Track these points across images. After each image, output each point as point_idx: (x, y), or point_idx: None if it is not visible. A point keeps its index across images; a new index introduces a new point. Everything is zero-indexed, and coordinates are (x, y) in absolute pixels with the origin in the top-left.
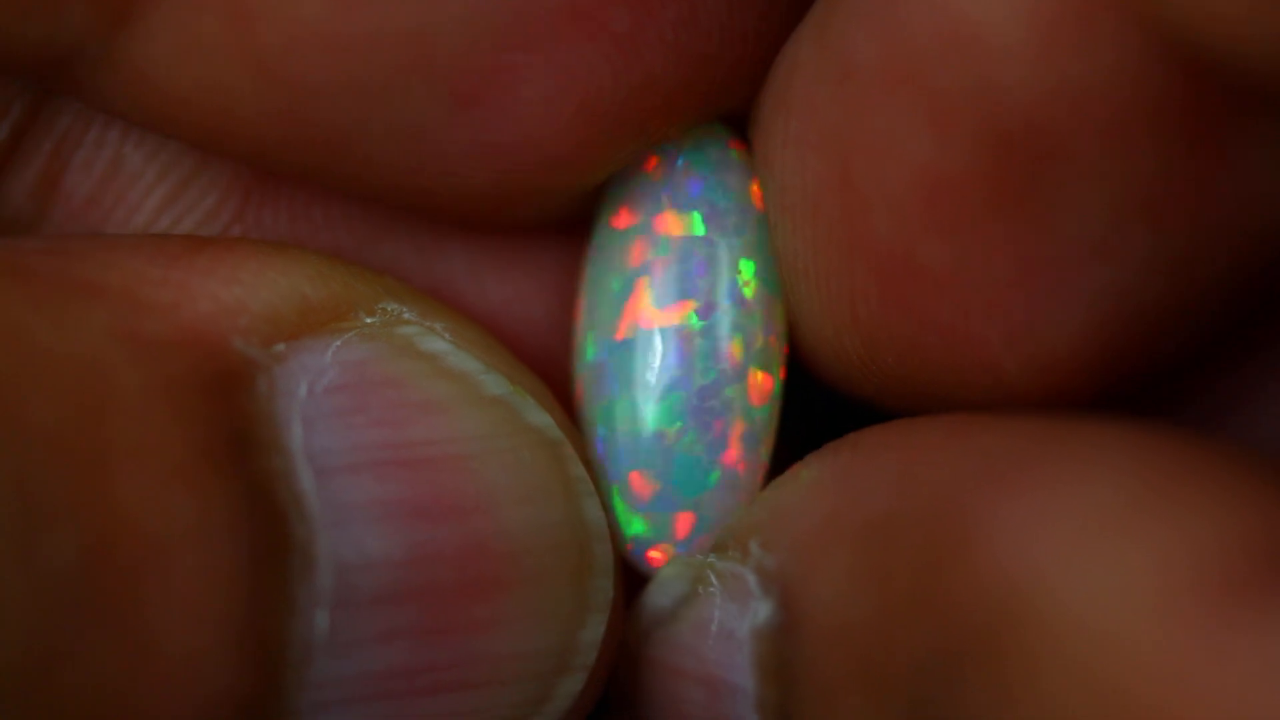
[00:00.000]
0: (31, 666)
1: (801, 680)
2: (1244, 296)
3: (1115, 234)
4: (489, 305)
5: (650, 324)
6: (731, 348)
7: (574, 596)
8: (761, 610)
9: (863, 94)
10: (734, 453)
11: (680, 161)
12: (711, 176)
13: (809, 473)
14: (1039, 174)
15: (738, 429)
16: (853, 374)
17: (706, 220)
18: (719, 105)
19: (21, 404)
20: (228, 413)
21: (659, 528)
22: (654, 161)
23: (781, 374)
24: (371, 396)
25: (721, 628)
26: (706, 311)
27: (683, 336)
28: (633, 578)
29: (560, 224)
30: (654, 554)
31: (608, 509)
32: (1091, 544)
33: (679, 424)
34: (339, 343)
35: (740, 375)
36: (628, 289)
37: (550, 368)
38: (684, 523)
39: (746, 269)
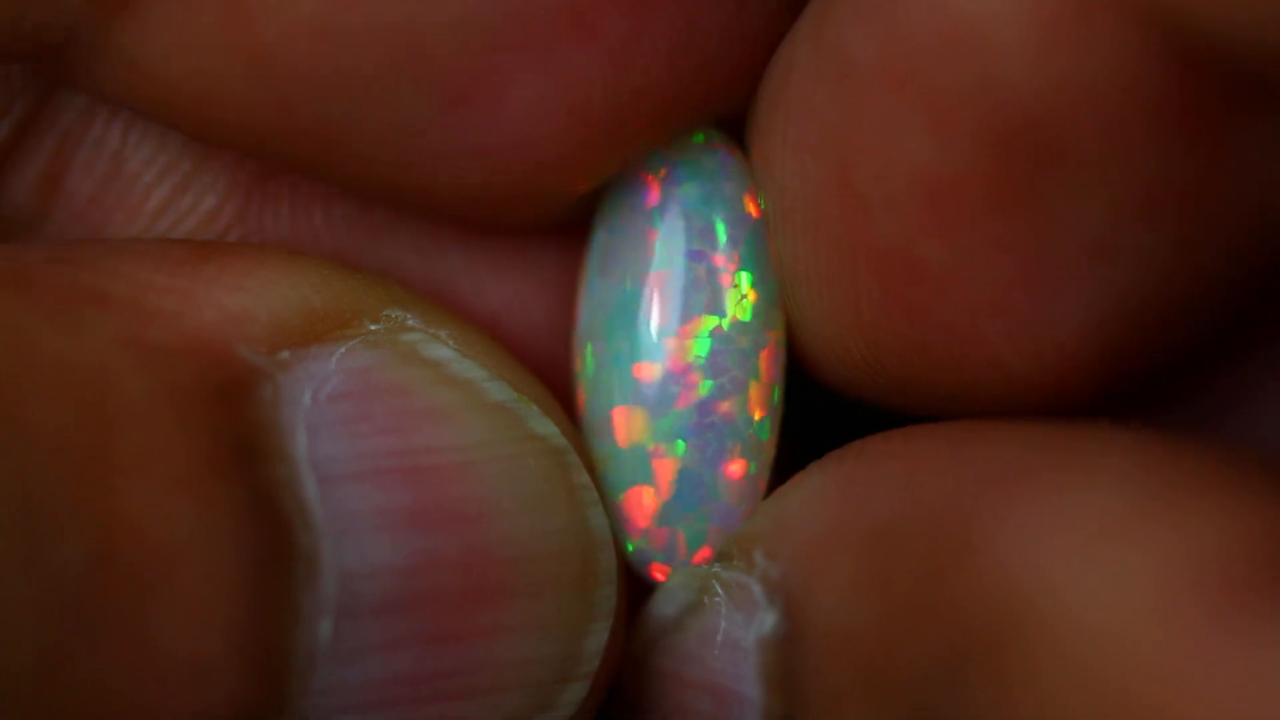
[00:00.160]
0: (36, 671)
1: (807, 689)
2: (1244, 294)
3: (1116, 232)
4: (489, 308)
5: (649, 336)
6: (730, 361)
7: (577, 605)
8: (767, 620)
9: (861, 94)
10: (736, 465)
11: (676, 172)
12: (708, 186)
13: (812, 482)
14: (1039, 172)
15: (738, 442)
16: (856, 376)
17: (702, 233)
18: (715, 110)
19: (27, 410)
20: (232, 420)
21: (660, 543)
22: (648, 174)
23: (782, 384)
24: (376, 404)
25: (727, 637)
26: (705, 324)
27: (682, 349)
28: (637, 587)
29: (559, 226)
30: (657, 566)
31: (611, 518)
32: (1093, 547)
33: (680, 437)
34: (343, 350)
35: (740, 387)
36: (625, 302)
37: (552, 372)
38: (685, 538)
39: (744, 280)
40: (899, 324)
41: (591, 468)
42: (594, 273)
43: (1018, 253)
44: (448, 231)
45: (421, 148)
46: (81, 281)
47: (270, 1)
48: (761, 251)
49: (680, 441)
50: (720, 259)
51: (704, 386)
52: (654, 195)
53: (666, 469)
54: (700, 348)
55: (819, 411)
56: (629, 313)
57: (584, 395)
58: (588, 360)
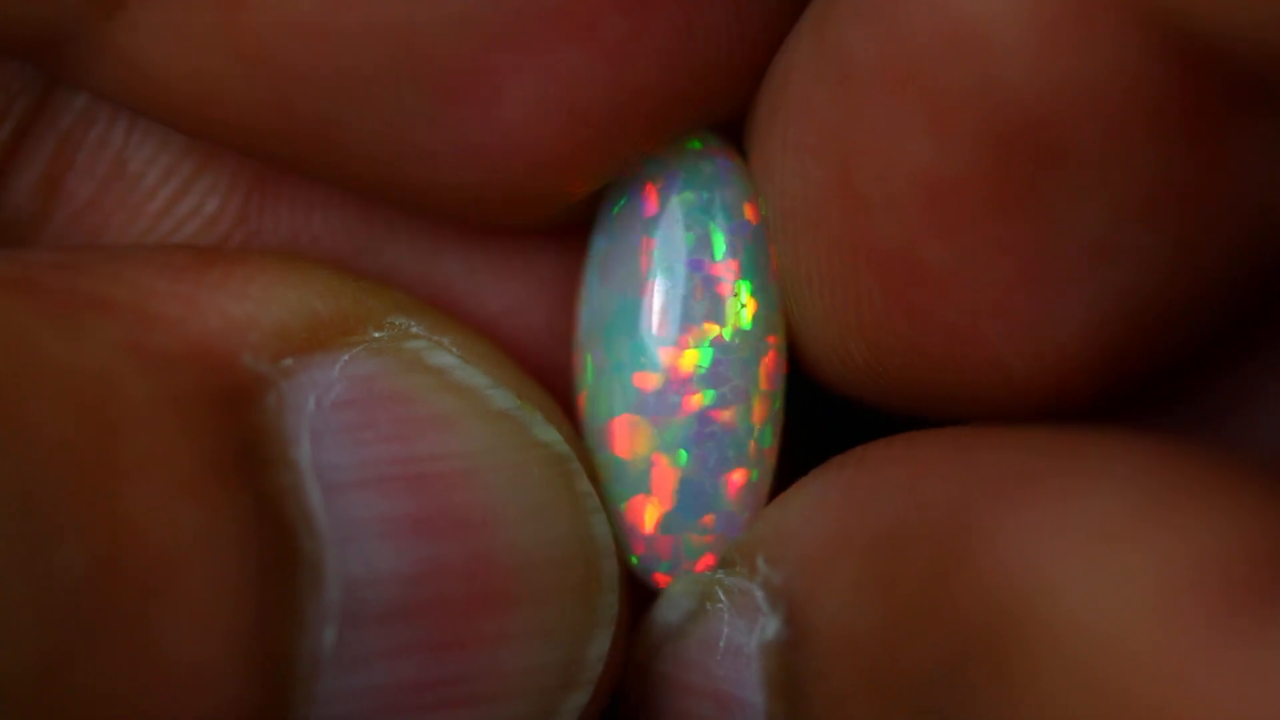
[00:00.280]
0: (38, 676)
1: (810, 694)
2: (1245, 295)
3: (1117, 233)
4: (488, 312)
5: (649, 345)
6: (731, 369)
7: (581, 612)
8: (769, 625)
9: (862, 95)
10: (738, 473)
11: (675, 180)
12: (706, 194)
13: (814, 487)
14: (1040, 173)
15: (739, 450)
16: (857, 378)
17: (702, 241)
18: (713, 113)
19: (30, 416)
20: (236, 426)
21: (665, 549)
22: (647, 181)
23: (783, 391)
24: (379, 411)
25: (730, 643)
26: (705, 333)
27: (682, 358)
28: (639, 594)
29: (558, 229)
30: (661, 575)
31: (614, 526)
32: (1094, 549)
33: (681, 446)
34: (347, 357)
35: (741, 395)
36: (625, 311)
37: (551, 376)
38: (689, 546)
39: (744, 289)
40: (900, 325)
41: (594, 475)
42: (593, 281)
43: (1019, 254)
44: (447, 234)
45: (419, 146)
46: (85, 287)
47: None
48: (761, 259)
49: (682, 450)
50: (719, 267)
51: (705, 395)
52: (653, 203)
53: (668, 478)
54: (700, 356)
55: (820, 418)
56: (629, 321)
57: (584, 404)
58: (588, 369)
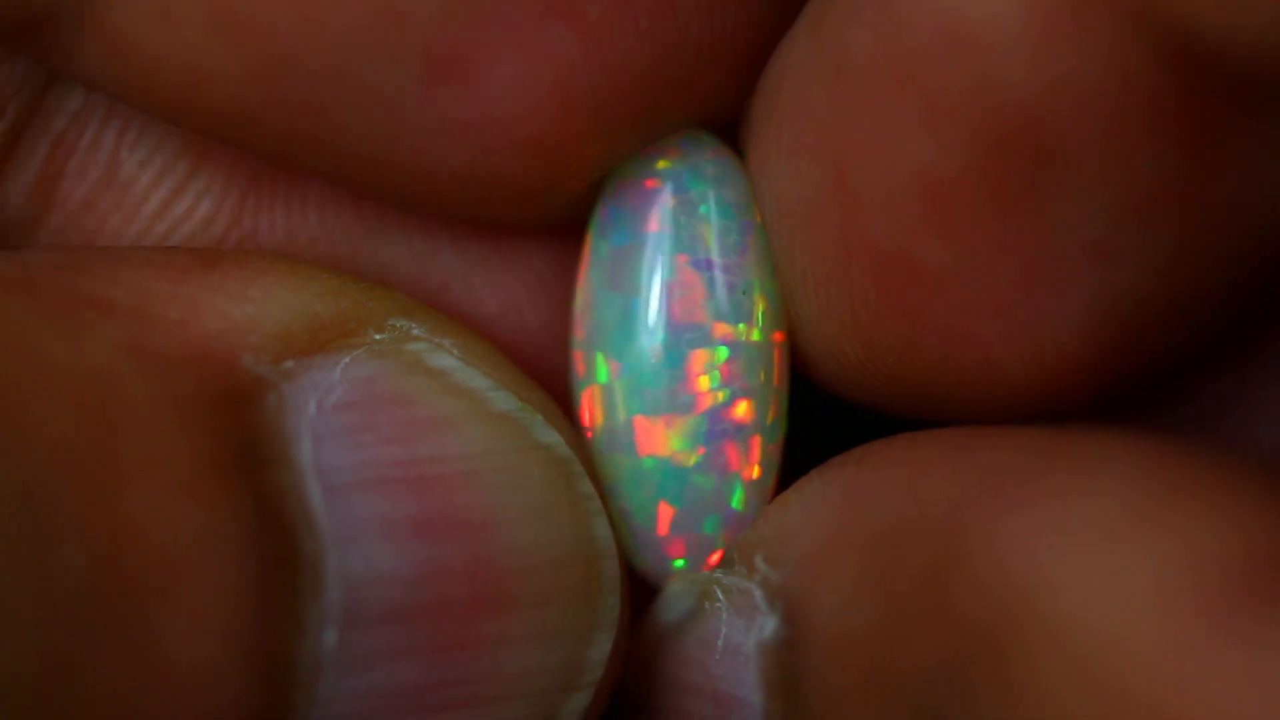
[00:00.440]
0: (41, 677)
1: (808, 693)
2: (1243, 295)
3: (1114, 233)
4: (484, 312)
5: (658, 347)
6: (740, 367)
7: (582, 614)
8: (767, 625)
9: (858, 94)
10: (748, 472)
11: (678, 180)
12: (710, 193)
13: (813, 488)
14: (1036, 173)
15: (751, 448)
16: (853, 378)
17: (707, 240)
18: (704, 106)
19: (30, 416)
20: (237, 428)
21: (677, 549)
22: (651, 182)
23: (787, 388)
24: (380, 413)
25: (728, 643)
26: (713, 333)
27: (691, 359)
28: (640, 594)
29: (553, 229)
30: (672, 574)
31: (615, 527)
32: (1093, 549)
33: (690, 446)
34: (348, 359)
35: (750, 393)
36: (633, 313)
37: (547, 376)
38: (702, 544)
39: (751, 286)
40: (896, 325)
41: (596, 477)
42: (599, 285)
43: (1015, 254)
44: (444, 234)
45: (402, 123)
46: (85, 288)
47: None
48: (767, 254)
49: (693, 450)
50: (726, 265)
51: (716, 394)
52: (657, 204)
53: (680, 478)
54: (710, 355)
55: (820, 417)
56: (637, 323)
57: (596, 407)
58: (599, 369)
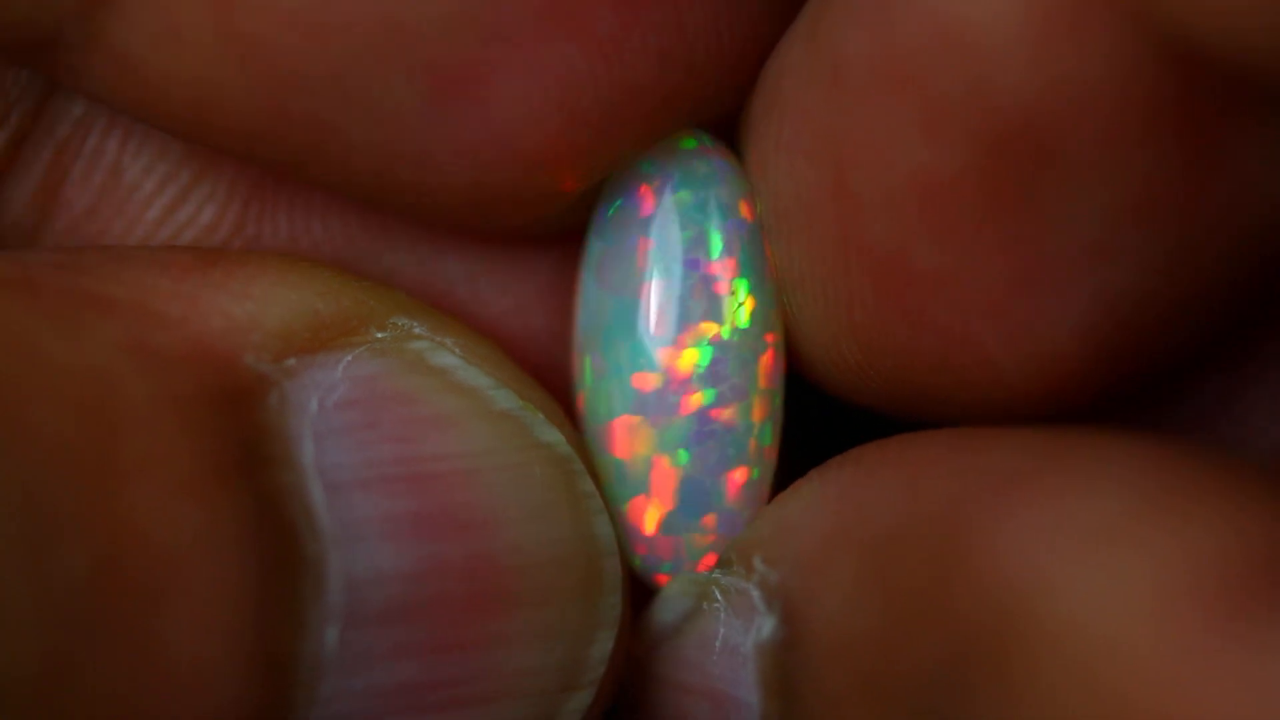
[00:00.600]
0: (41, 678)
1: (806, 694)
2: (1242, 295)
3: (1112, 235)
4: (488, 316)
5: (647, 346)
6: (730, 368)
7: (583, 612)
8: (765, 625)
9: (855, 96)
10: (738, 472)
11: (670, 180)
12: (702, 193)
13: (811, 488)
14: (1034, 175)
15: (740, 449)
16: (851, 380)
17: (698, 240)
18: (705, 112)
19: (31, 415)
20: (238, 427)
21: (666, 550)
22: (642, 181)
23: (782, 390)
24: (382, 412)
25: (726, 643)
26: (703, 332)
27: (680, 357)
28: (640, 593)
29: (556, 233)
30: (663, 575)
31: (616, 525)
32: (1091, 551)
33: (681, 446)
34: (350, 358)
35: (740, 394)
36: (623, 312)
37: (554, 378)
38: (691, 546)
39: (741, 287)
40: (894, 327)
41: (596, 476)
42: (590, 283)
43: (1013, 255)
44: (446, 240)
45: (412, 146)
46: (85, 287)
47: None
48: (758, 257)
49: (682, 450)
50: (716, 266)
51: (704, 395)
52: (648, 203)
53: (669, 478)
54: (699, 356)
55: (818, 418)
56: (627, 322)
57: (584, 406)
58: (586, 371)
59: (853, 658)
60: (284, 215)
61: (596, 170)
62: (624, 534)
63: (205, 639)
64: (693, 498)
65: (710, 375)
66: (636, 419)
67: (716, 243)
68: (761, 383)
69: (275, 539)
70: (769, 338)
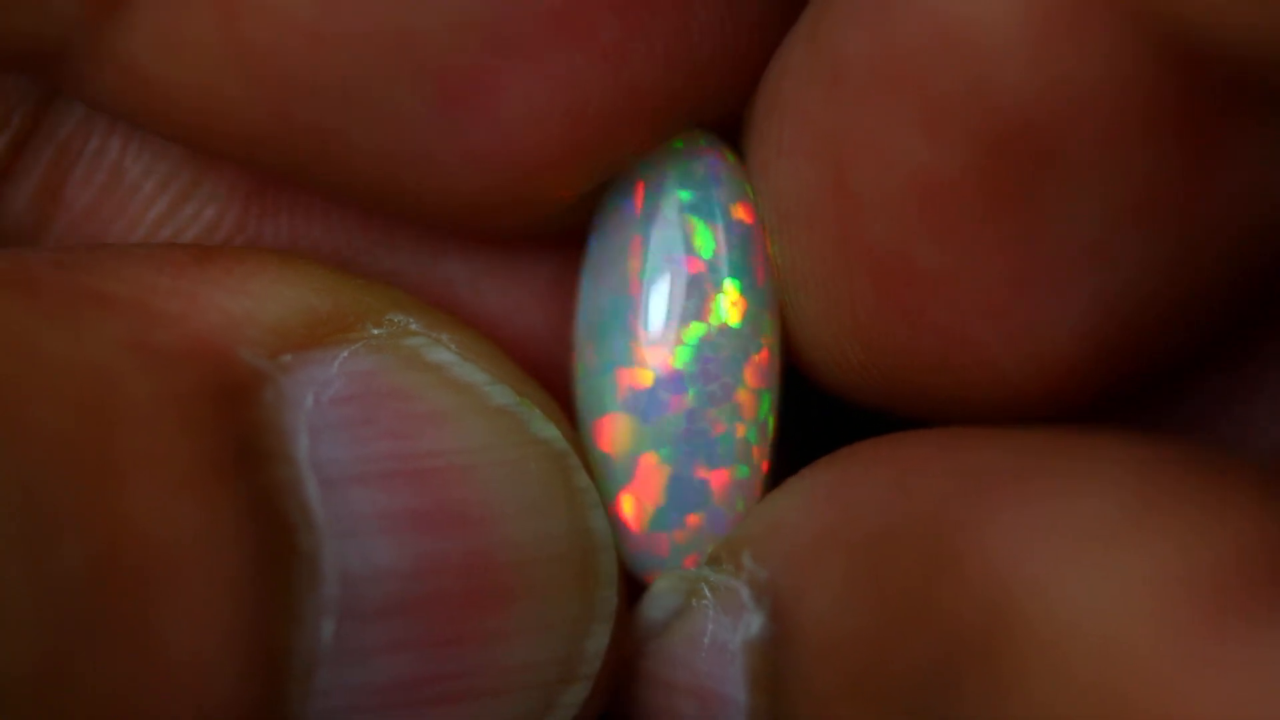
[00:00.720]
0: (39, 673)
1: (794, 692)
2: (1242, 296)
3: (1112, 235)
4: (489, 316)
5: (639, 343)
6: (721, 367)
7: (579, 607)
8: (754, 623)
9: (855, 96)
10: (726, 472)
11: (666, 179)
12: (697, 193)
13: (802, 486)
14: (1034, 176)
15: (729, 448)
16: (852, 379)
17: (693, 239)
18: (709, 113)
19: (30, 412)
20: (235, 423)
21: (654, 547)
22: (639, 182)
23: (775, 390)
24: (378, 408)
25: (714, 640)
26: (694, 331)
27: (671, 356)
28: (632, 589)
29: (557, 233)
30: (650, 572)
31: (610, 521)
32: (1085, 552)
33: (670, 444)
34: (346, 354)
35: (730, 393)
36: (615, 309)
37: (553, 377)
38: (679, 543)
39: (735, 287)
40: (894, 327)
41: (591, 470)
42: (587, 280)
43: (1014, 255)
44: (447, 241)
45: (418, 153)
46: (84, 284)
47: (260, 4)
48: (751, 258)
49: (670, 448)
50: (710, 264)
51: (693, 393)
52: (643, 202)
53: (657, 475)
54: (689, 354)
55: (814, 416)
56: (619, 319)
57: (577, 402)
58: (580, 367)
59: (842, 656)
60: (285, 216)
61: (600, 172)
62: (612, 530)
63: (202, 634)
64: (680, 495)
65: (700, 375)
66: (626, 416)
67: (709, 243)
68: (752, 383)
69: (271, 534)
70: (762, 339)
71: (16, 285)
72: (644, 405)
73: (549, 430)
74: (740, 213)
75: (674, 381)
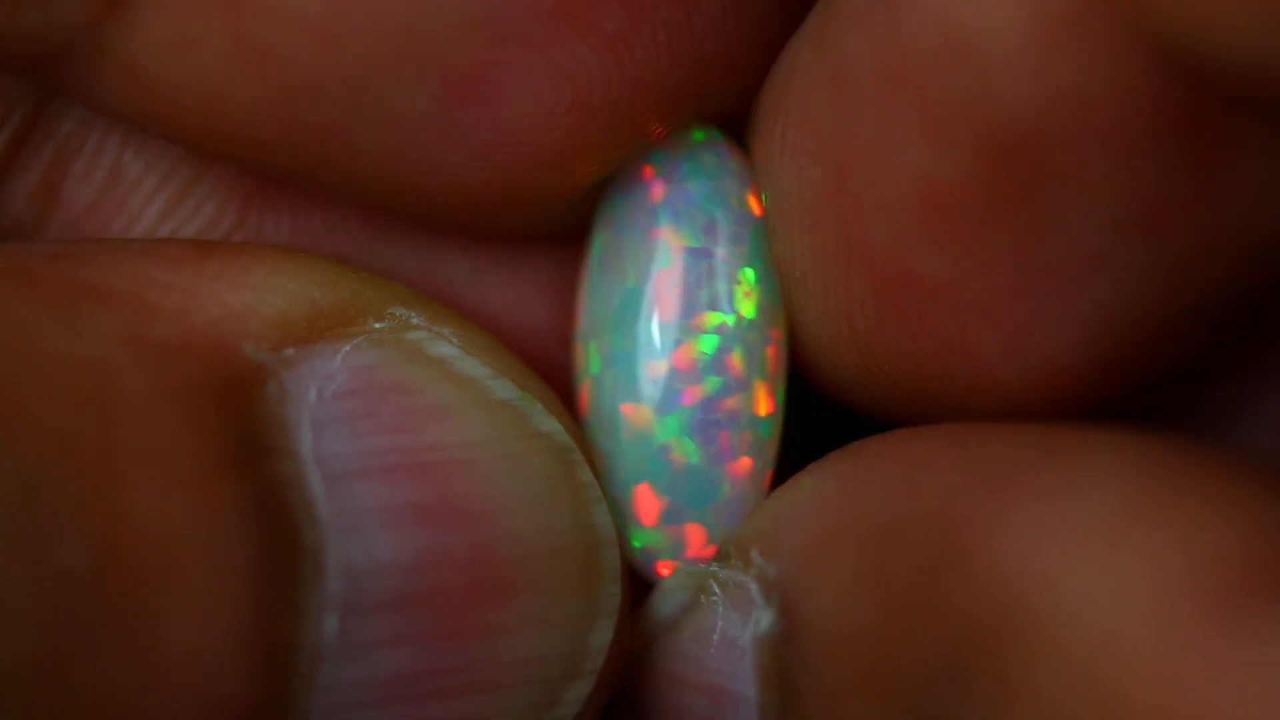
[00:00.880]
0: (41, 669)
1: (804, 688)
2: (1243, 306)
3: (1113, 245)
4: (491, 311)
5: (653, 334)
6: (734, 358)
7: (582, 602)
8: (763, 619)
9: (859, 101)
10: (740, 463)
11: (678, 171)
12: (710, 184)
13: (810, 482)
14: (1036, 184)
15: (743, 439)
16: (850, 382)
17: (705, 230)
18: (713, 107)
19: (29, 407)
20: (236, 418)
21: (667, 541)
22: (650, 171)
23: (784, 382)
24: (380, 401)
25: (724, 636)
26: (709, 320)
27: (686, 346)
28: (640, 585)
29: (560, 228)
30: (662, 565)
31: (616, 515)
32: (1090, 548)
33: (684, 436)
34: (348, 348)
35: (744, 385)
36: (629, 299)
37: (554, 372)
38: (692, 535)
39: (748, 278)
40: (892, 331)
41: (595, 465)
42: (596, 271)
43: (1012, 264)
44: (449, 236)
45: (421, 147)
46: (83, 278)
47: (269, 2)
48: (764, 249)
49: (686, 438)
50: (723, 255)
51: (709, 383)
52: (656, 192)
53: (672, 466)
54: (704, 344)
55: (819, 412)
56: (632, 310)
57: (588, 393)
58: (591, 358)
59: (851, 652)
60: (285, 212)
61: (604, 166)
62: (625, 522)
63: (205, 630)
64: (695, 488)
65: (715, 364)
66: (641, 406)
67: (723, 232)
68: (767, 373)
69: (274, 529)
70: (774, 330)
71: (15, 279)
72: (659, 395)
73: (551, 424)
74: (751, 203)
75: (689, 372)
